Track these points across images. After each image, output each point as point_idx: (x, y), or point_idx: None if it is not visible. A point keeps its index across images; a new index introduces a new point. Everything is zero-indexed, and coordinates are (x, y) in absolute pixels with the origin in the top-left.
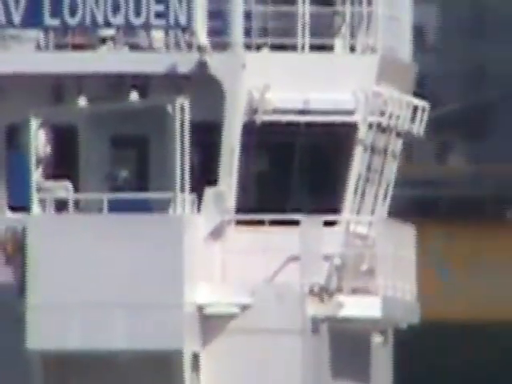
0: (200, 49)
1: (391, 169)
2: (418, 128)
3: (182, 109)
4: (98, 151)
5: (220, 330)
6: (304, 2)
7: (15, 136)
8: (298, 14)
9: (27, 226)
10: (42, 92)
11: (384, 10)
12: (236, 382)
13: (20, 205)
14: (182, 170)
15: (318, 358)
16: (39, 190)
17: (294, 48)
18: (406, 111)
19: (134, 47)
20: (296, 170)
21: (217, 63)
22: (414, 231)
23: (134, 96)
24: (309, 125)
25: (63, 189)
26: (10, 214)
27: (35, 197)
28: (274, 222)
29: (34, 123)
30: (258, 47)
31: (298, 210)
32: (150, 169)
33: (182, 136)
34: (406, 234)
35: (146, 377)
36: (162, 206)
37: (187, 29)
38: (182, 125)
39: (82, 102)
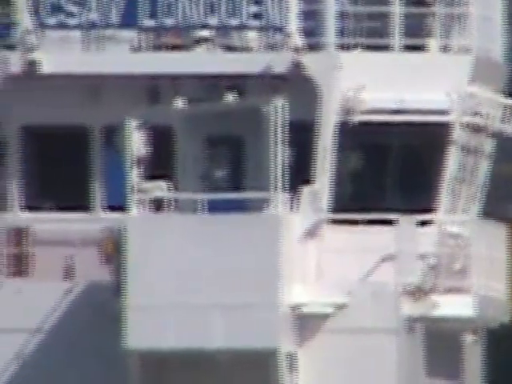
0: (295, 49)
1: (483, 169)
2: (511, 128)
3: (278, 109)
4: (193, 151)
5: (316, 329)
6: (397, 2)
7: (112, 137)
8: (391, 15)
9: (126, 226)
10: (138, 93)
11: (477, 9)
12: (332, 381)
13: (116, 204)
14: (278, 169)
15: (412, 357)
16: (136, 190)
17: (387, 48)
18: (499, 111)
19: (229, 48)
20: (390, 169)
21: (312, 63)
22: (506, 230)
23: (229, 97)
24: (403, 125)
25: (159, 189)
26: (106, 214)
27: (133, 197)
28: (368, 222)
29: (130, 124)
30: (352, 47)
31: (392, 209)
32: (245, 168)
33: (278, 136)
34: (498, 234)
35: (242, 376)
36: (258, 206)
37: (282, 29)
38: (277, 125)
39: (179, 103)
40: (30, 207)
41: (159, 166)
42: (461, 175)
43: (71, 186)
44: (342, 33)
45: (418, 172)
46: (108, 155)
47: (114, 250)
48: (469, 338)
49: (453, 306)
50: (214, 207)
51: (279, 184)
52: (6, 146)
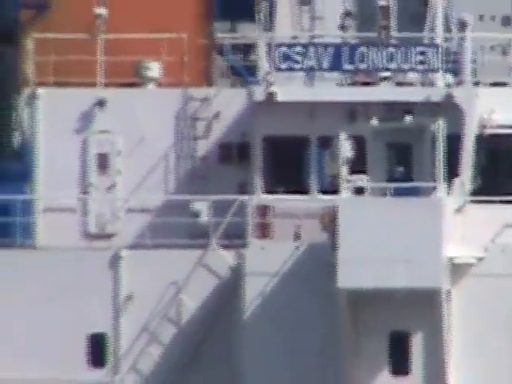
0: (448, 85)
1: None
2: None
3: (439, 126)
4: (379, 155)
5: (463, 274)
6: None
7: (324, 144)
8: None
9: (338, 204)
10: (341, 114)
11: None
12: (474, 313)
13: (323, 190)
14: (439, 167)
15: None
16: (346, 180)
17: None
18: None
19: (399, 84)
20: (509, 166)
21: (458, 94)
22: None
23: (407, 118)
24: None
25: (361, 180)
26: (321, 196)
27: (343, 185)
28: (499, 202)
29: (342, 135)
30: (477, 83)
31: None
32: (413, 167)
33: (439, 144)
34: None
35: (414, 309)
36: (423, 193)
37: (438, 71)
38: (438, 137)
39: (372, 122)
40: (269, 191)
41: (358, 164)
42: None
43: (296, 178)
44: (475, 73)
45: None
46: (320, 157)
47: (329, 221)
48: None
49: None
50: (396, 194)
51: (440, 177)
52: (253, 150)
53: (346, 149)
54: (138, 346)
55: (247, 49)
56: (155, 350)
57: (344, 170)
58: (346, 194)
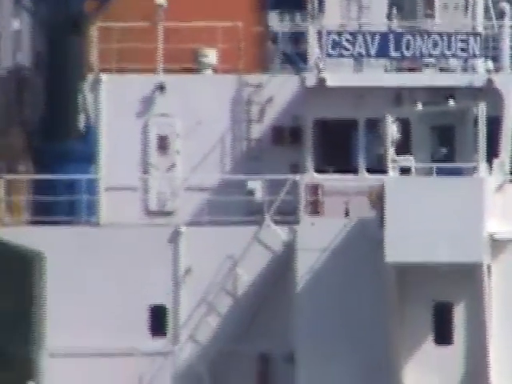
0: (487, 71)
1: None
2: None
3: (481, 109)
4: (424, 136)
5: (503, 250)
6: None
7: (371, 126)
8: None
9: (386, 183)
10: (388, 98)
11: None
12: (509, 287)
13: (371, 169)
14: (481, 148)
15: None
16: (392, 161)
17: None
18: None
19: (441, 69)
20: None
21: (498, 80)
22: None
23: (451, 102)
24: None
25: (407, 160)
26: (368, 176)
27: (390, 165)
28: None
29: (389, 118)
30: None
31: None
32: (455, 148)
33: (481, 126)
34: None
35: (456, 282)
36: (466, 173)
37: (478, 58)
38: (481, 119)
39: (418, 105)
40: (319, 171)
41: (404, 146)
42: None
43: (344, 158)
44: None
45: None
46: (368, 138)
47: (376, 198)
48: None
49: None
50: (440, 173)
51: (481, 157)
52: (304, 132)
53: (392, 131)
54: (196, 317)
55: (299, 37)
56: (212, 320)
57: (391, 151)
58: (392, 173)
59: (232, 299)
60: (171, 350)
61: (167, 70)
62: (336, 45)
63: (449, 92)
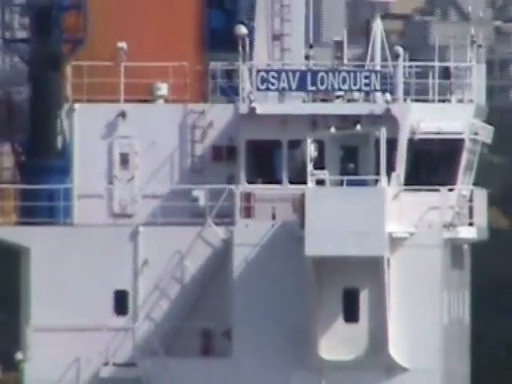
0: (387, 102)
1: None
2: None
3: (382, 133)
4: (335, 154)
5: (399, 245)
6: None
7: (293, 146)
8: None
9: (306, 192)
10: (306, 123)
11: (474, 81)
12: (406, 275)
13: (292, 181)
14: (382, 163)
15: (446, 260)
16: (311, 174)
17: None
18: (485, 131)
19: (350, 100)
20: (427, 164)
21: (395, 108)
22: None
23: (357, 127)
24: (439, 139)
25: (322, 174)
26: (290, 186)
27: (310, 178)
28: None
29: (309, 140)
30: (412, 100)
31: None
32: (359, 164)
33: (382, 146)
34: (483, 194)
35: (362, 273)
36: (369, 184)
37: (379, 91)
38: (381, 141)
39: (331, 130)
40: (250, 182)
41: (319, 161)
42: (468, 165)
43: (271, 172)
44: (407, 92)
45: (442, 164)
46: (289, 156)
47: (299, 204)
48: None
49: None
50: (348, 184)
51: (382, 171)
52: (238, 150)
53: (310, 150)
54: (151, 300)
55: (233, 73)
56: (164, 303)
57: (310, 166)
58: (311, 184)
59: (180, 286)
60: (131, 327)
61: (127, 100)
62: (264, 80)
63: (355, 118)
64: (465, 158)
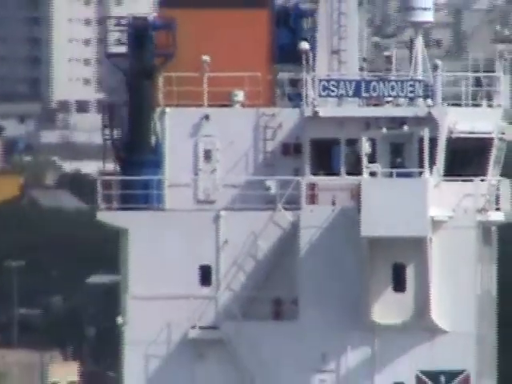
0: (428, 106)
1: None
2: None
3: (425, 131)
4: (385, 150)
5: (440, 227)
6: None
7: (350, 144)
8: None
9: (363, 182)
10: (360, 124)
11: (504, 87)
12: (446, 252)
13: (349, 173)
14: (426, 158)
15: (480, 241)
16: (366, 167)
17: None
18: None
19: (398, 105)
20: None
21: (435, 112)
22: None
23: (404, 127)
24: (473, 138)
25: (376, 167)
26: (348, 177)
27: (365, 170)
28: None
29: (363, 138)
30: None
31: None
32: (405, 159)
33: (426, 143)
34: (507, 184)
35: (410, 248)
36: (414, 175)
37: (421, 97)
38: (422, 139)
39: (382, 130)
40: (314, 174)
41: (373, 156)
42: (497, 160)
43: (331, 165)
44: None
45: (475, 158)
46: (347, 154)
47: (356, 192)
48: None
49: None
50: (397, 176)
51: (426, 165)
52: (303, 147)
53: (366, 147)
54: (230, 273)
55: (297, 83)
56: (241, 275)
57: (365, 161)
58: (366, 175)
59: (255, 261)
60: (214, 296)
61: (210, 105)
62: (325, 88)
63: (402, 120)
64: (494, 153)
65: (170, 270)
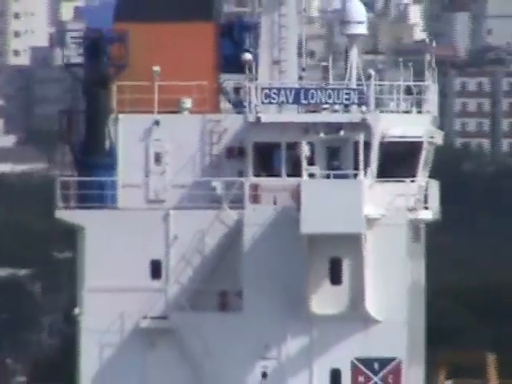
0: (362, 112)
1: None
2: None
3: (360, 136)
4: (323, 154)
5: (374, 224)
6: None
7: (290, 147)
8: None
9: (302, 183)
10: (300, 129)
11: (432, 95)
12: (377, 247)
13: (290, 174)
14: (361, 161)
15: (409, 237)
16: (305, 169)
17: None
18: (439, 135)
19: (334, 111)
20: (390, 160)
21: (369, 118)
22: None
23: (340, 132)
24: (404, 142)
25: (315, 170)
26: (289, 178)
27: (304, 172)
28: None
29: (303, 142)
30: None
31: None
32: (342, 162)
33: (360, 147)
34: (435, 184)
35: (346, 244)
36: (350, 177)
37: (356, 104)
38: (359, 143)
39: (320, 134)
40: (256, 175)
41: (311, 159)
42: (426, 162)
43: (273, 167)
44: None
45: (406, 160)
46: (286, 157)
47: (295, 193)
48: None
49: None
50: (334, 177)
51: (360, 167)
52: (247, 151)
53: (305, 150)
54: (179, 267)
55: (240, 91)
56: (189, 269)
57: (304, 163)
58: (305, 177)
59: (202, 256)
60: (164, 288)
61: (160, 112)
62: (267, 96)
63: (338, 125)
64: (423, 156)
65: (122, 265)
